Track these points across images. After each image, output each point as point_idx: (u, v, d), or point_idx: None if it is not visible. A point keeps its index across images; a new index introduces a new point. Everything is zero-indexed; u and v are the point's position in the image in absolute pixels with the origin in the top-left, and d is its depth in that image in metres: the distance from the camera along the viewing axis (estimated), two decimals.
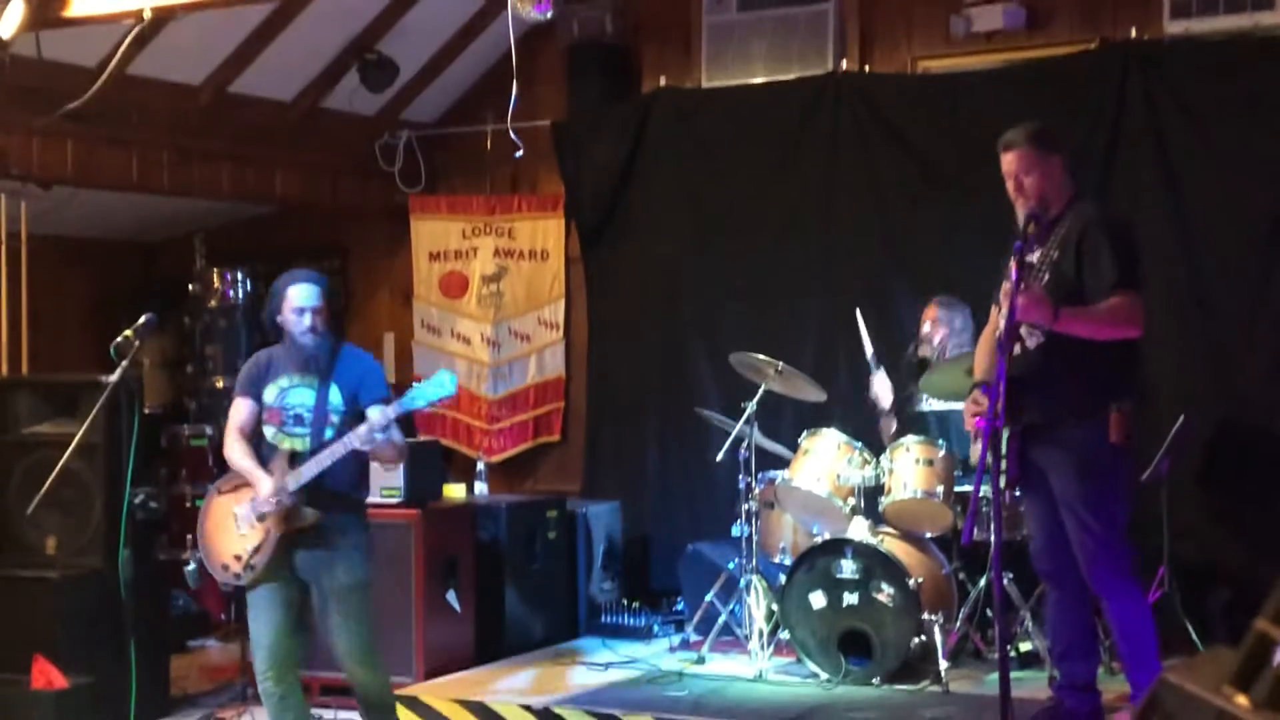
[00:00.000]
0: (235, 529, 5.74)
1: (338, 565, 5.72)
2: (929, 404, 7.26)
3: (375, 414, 5.64)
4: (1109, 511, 5.52)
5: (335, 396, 5.73)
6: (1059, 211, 5.57)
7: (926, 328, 7.35)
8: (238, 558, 5.71)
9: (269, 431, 5.79)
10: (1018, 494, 5.89)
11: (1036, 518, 5.74)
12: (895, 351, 7.61)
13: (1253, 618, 2.95)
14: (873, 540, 6.83)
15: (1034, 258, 5.54)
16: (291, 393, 5.79)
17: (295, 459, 5.67)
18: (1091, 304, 5.40)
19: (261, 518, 5.68)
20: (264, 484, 5.64)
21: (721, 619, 7.29)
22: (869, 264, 8.20)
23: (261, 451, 5.76)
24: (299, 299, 5.79)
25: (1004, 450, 5.62)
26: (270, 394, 5.81)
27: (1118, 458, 5.54)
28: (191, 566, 5.84)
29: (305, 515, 5.66)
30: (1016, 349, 5.45)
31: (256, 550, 5.69)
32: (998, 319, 5.78)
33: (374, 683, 5.91)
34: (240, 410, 5.83)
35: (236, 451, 5.79)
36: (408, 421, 9.29)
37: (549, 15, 6.76)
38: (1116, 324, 5.45)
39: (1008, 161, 5.64)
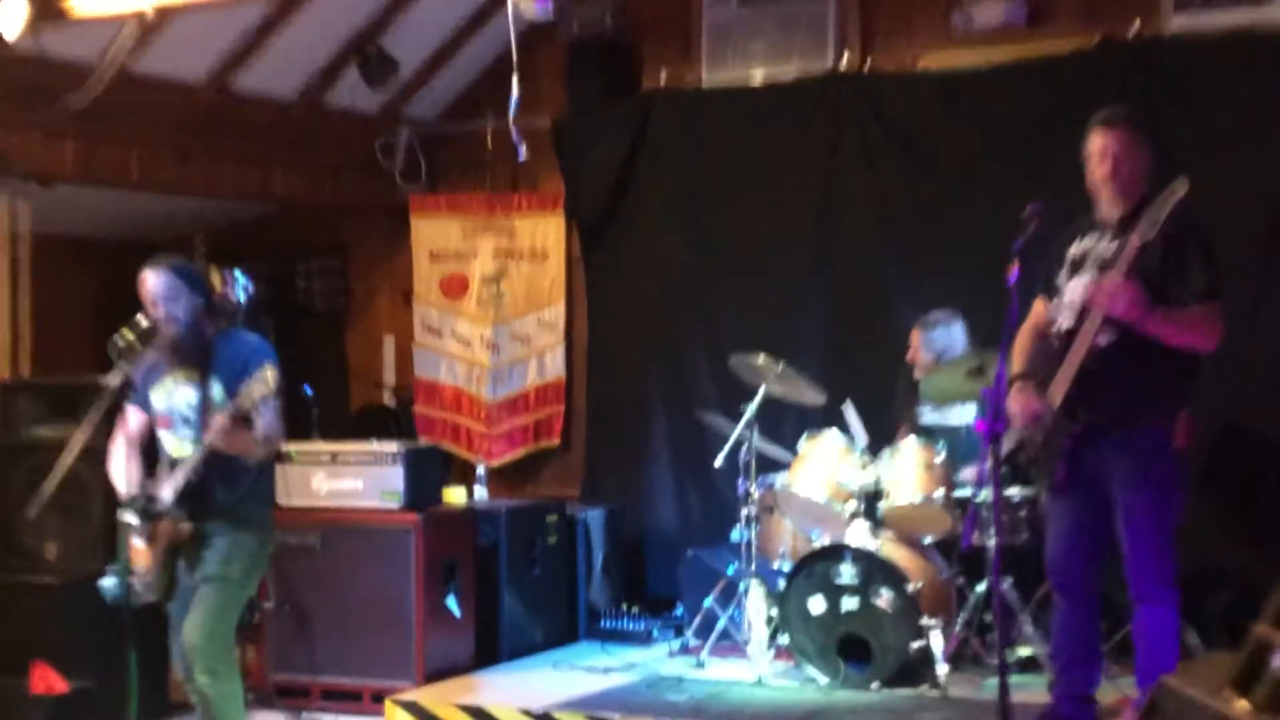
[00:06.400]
0: (134, 544, 5.64)
1: (207, 559, 5.57)
2: (931, 416, 7.25)
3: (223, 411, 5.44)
4: (1166, 518, 5.43)
5: (217, 392, 5.52)
6: (1131, 208, 5.44)
7: (910, 353, 7.35)
8: (141, 573, 5.63)
9: (164, 437, 5.67)
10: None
11: (1064, 525, 5.61)
12: (895, 353, 7.59)
13: (1252, 621, 2.94)
14: (872, 545, 6.81)
15: (1107, 251, 5.45)
16: (177, 393, 5.63)
17: (176, 465, 5.56)
18: (1175, 308, 5.32)
19: (147, 528, 5.58)
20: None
21: (721, 623, 7.28)
22: (870, 262, 8.18)
23: (162, 458, 5.66)
24: (146, 292, 5.59)
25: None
26: (159, 398, 5.67)
27: (1181, 463, 5.48)
28: (110, 582, 5.66)
29: (181, 528, 5.54)
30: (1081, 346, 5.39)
31: (148, 566, 5.61)
32: (1043, 309, 5.72)
33: (209, 685, 5.56)
34: (127, 419, 5.71)
35: (111, 464, 5.72)
36: (407, 426, 9.31)
37: (550, 14, 6.72)
38: (1200, 334, 5.35)
39: (1109, 139, 5.46)
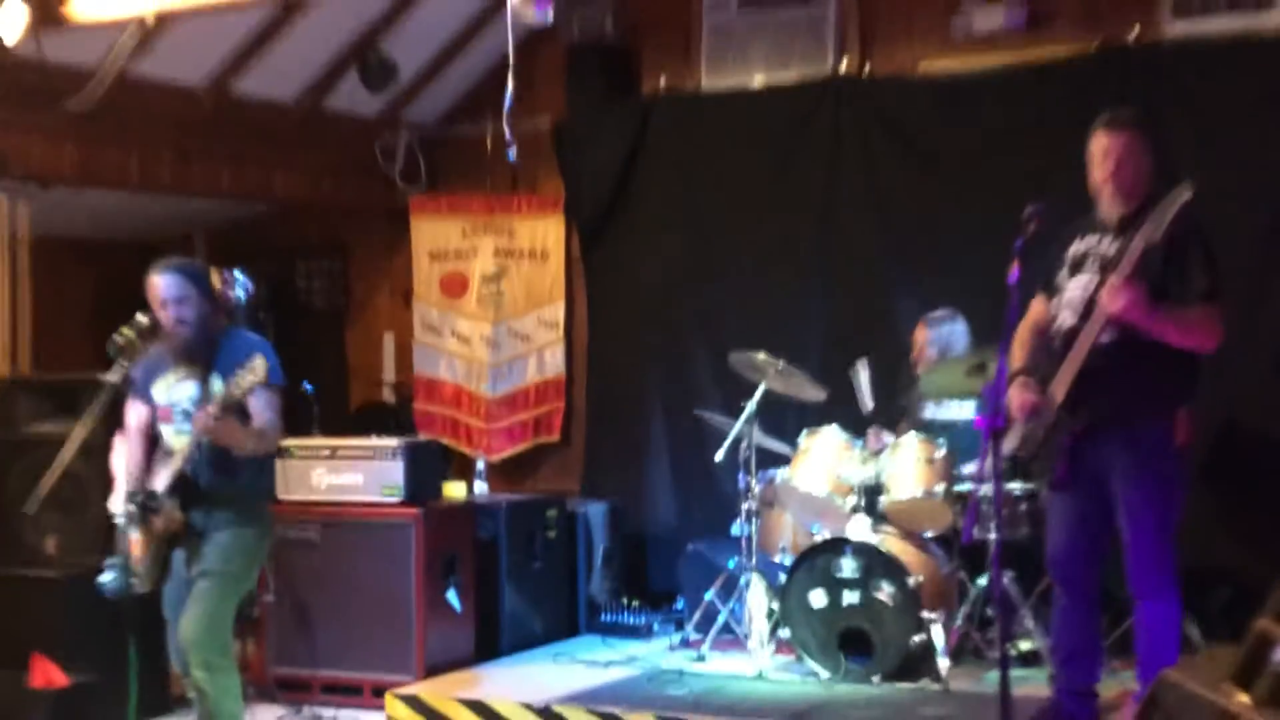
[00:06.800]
0: (131, 537, 5.66)
1: (206, 553, 5.60)
2: (932, 412, 7.27)
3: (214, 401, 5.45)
4: (1167, 515, 5.47)
5: (218, 387, 5.53)
6: (1133, 209, 5.47)
7: (916, 350, 7.36)
8: (135, 564, 5.66)
9: (165, 430, 5.70)
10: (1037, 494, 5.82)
11: (1065, 521, 5.65)
12: (896, 356, 7.61)
13: (1253, 617, 2.96)
14: (873, 539, 6.83)
15: (1109, 250, 5.49)
16: (178, 388, 5.67)
17: (172, 457, 5.60)
18: (1176, 309, 5.35)
19: (144, 522, 5.60)
20: (116, 495, 5.67)
21: (722, 617, 7.30)
22: (869, 264, 8.20)
23: (159, 451, 5.71)
24: (156, 294, 5.62)
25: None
26: (160, 392, 5.71)
27: (1182, 460, 5.51)
28: (109, 576, 5.71)
29: (173, 517, 5.57)
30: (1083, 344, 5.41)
31: (141, 557, 5.63)
32: (1043, 307, 5.76)
33: (206, 680, 5.60)
34: (130, 414, 5.73)
35: (114, 456, 5.75)
36: (407, 423, 9.32)
37: (549, 18, 6.70)
38: (1200, 334, 5.39)
39: (1112, 141, 5.50)
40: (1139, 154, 5.53)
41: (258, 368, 5.34)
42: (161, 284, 5.62)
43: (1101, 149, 5.54)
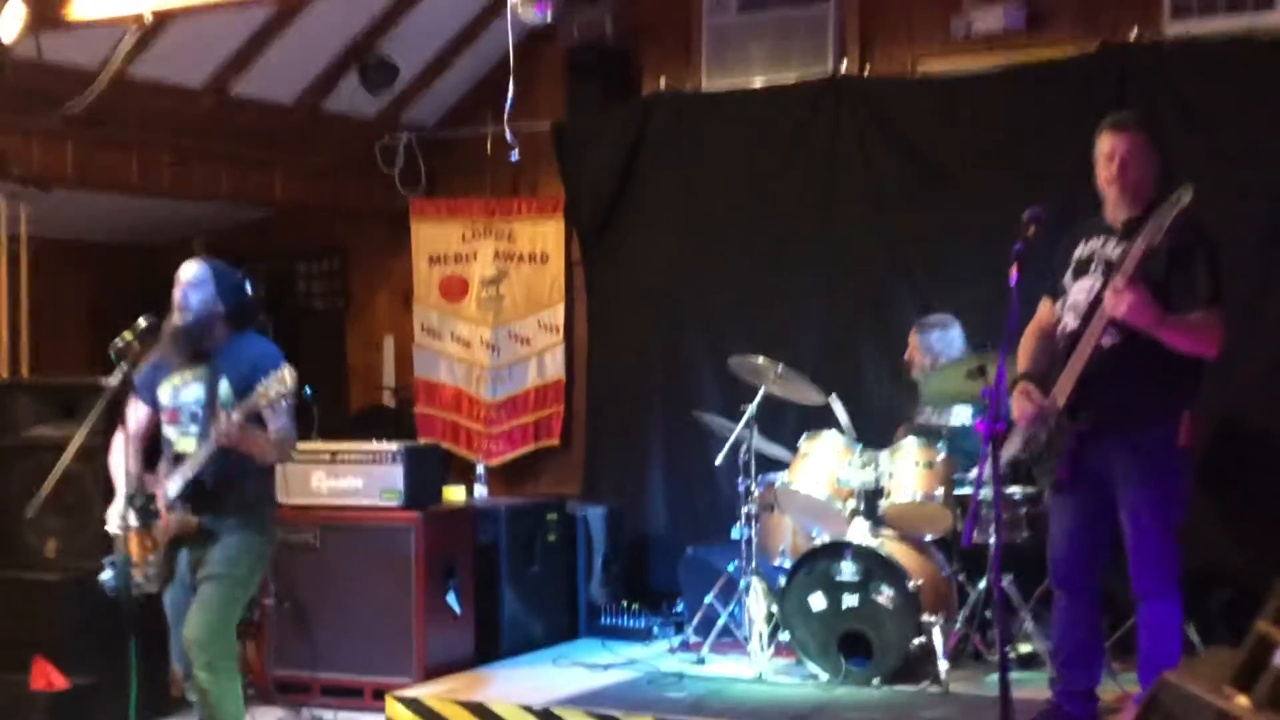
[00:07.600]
0: (132, 539, 5.64)
1: (212, 557, 5.60)
2: (930, 417, 7.27)
3: (237, 408, 5.46)
4: (1170, 516, 5.47)
5: (225, 390, 5.54)
6: (1139, 211, 5.46)
7: (908, 352, 7.36)
8: (140, 564, 5.65)
9: (170, 432, 5.70)
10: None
11: (1067, 523, 5.65)
12: (894, 355, 7.61)
13: (1253, 618, 2.95)
14: (872, 542, 6.83)
15: (1113, 254, 5.48)
16: (184, 390, 5.67)
17: (181, 460, 5.60)
18: (1179, 313, 5.35)
19: (145, 526, 5.59)
20: (115, 503, 5.65)
21: (721, 620, 7.29)
22: (869, 266, 8.20)
23: (165, 454, 5.71)
24: (181, 275, 5.65)
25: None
26: (165, 393, 5.71)
27: (1184, 462, 5.50)
28: (107, 574, 5.73)
29: (187, 522, 5.58)
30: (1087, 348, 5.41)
31: (146, 560, 5.62)
32: (1049, 309, 5.74)
33: (209, 681, 5.59)
34: (130, 414, 5.72)
35: (113, 458, 5.74)
36: (407, 427, 9.31)
37: (549, 18, 6.75)
38: (1206, 340, 5.39)
39: (1118, 143, 5.48)
40: (1145, 156, 5.51)
41: (286, 377, 5.37)
42: (188, 267, 5.70)
43: (1107, 150, 5.52)
